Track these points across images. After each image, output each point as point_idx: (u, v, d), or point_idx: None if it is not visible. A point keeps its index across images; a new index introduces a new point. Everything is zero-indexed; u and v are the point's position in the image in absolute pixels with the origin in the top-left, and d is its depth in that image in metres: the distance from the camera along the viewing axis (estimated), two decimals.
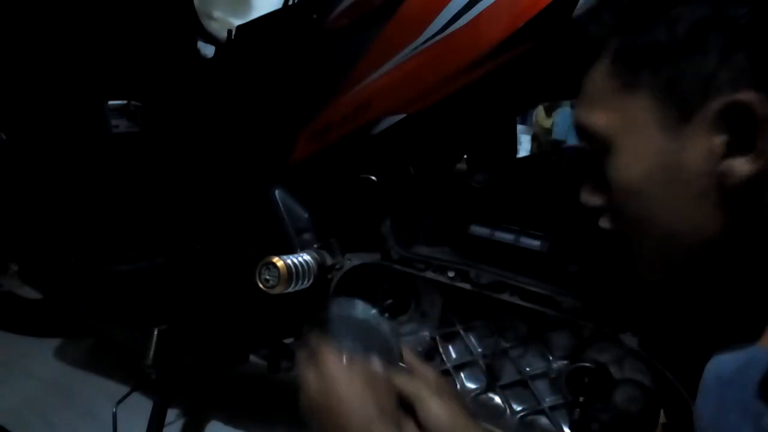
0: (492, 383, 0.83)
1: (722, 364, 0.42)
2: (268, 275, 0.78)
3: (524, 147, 2.55)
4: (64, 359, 1.41)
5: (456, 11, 0.67)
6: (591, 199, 0.53)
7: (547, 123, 2.52)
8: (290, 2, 0.95)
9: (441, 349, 0.86)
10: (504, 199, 0.79)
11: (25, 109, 1.01)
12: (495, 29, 0.66)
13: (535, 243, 0.74)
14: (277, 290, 0.78)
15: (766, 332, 0.41)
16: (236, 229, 0.94)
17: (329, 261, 0.85)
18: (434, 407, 0.51)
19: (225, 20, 1.05)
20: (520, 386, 0.82)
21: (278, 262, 0.78)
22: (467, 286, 0.77)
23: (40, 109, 1.00)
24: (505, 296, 0.75)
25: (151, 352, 0.98)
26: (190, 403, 1.23)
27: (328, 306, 0.56)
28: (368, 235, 0.83)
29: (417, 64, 0.72)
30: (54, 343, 1.46)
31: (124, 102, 0.95)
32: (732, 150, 0.41)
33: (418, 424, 0.51)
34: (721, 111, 0.41)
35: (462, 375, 0.85)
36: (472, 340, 0.84)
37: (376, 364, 0.53)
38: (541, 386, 0.80)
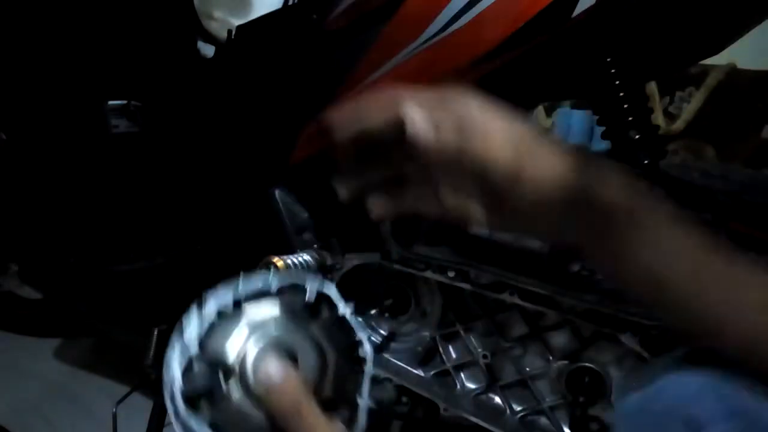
0: (492, 383, 0.83)
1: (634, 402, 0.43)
2: None
3: None
4: (64, 359, 1.41)
5: (456, 11, 0.67)
6: None
7: (547, 123, 2.51)
8: (290, 2, 0.95)
9: (441, 349, 0.86)
10: None
11: (25, 109, 1.01)
12: (495, 29, 0.66)
13: (535, 243, 0.74)
14: None
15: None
16: (236, 229, 0.94)
17: (329, 261, 0.85)
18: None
19: (225, 20, 1.05)
20: (520, 386, 0.82)
21: (278, 262, 0.78)
22: (467, 286, 0.77)
23: (40, 109, 1.00)
24: (505, 296, 0.75)
25: (151, 352, 0.98)
26: None
27: None
28: (368, 235, 0.83)
29: (417, 64, 0.71)
30: (54, 343, 1.47)
31: (124, 102, 0.95)
32: None
33: None
34: None
35: (462, 375, 0.85)
36: (472, 340, 0.84)
37: None
38: (541, 386, 0.80)
